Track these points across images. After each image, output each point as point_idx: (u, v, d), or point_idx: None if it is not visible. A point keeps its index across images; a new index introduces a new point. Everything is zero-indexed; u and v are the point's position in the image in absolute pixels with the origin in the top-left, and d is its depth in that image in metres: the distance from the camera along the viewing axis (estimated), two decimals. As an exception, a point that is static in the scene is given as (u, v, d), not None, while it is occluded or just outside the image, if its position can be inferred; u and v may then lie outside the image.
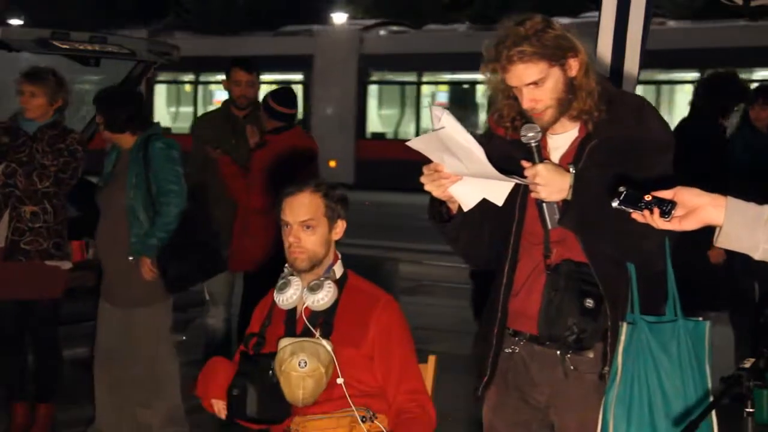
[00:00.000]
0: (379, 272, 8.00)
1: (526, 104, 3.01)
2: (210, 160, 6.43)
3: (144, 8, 35.48)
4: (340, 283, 3.49)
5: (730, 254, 5.91)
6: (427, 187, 3.03)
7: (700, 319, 3.10)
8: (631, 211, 2.42)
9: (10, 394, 5.68)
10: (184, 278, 5.29)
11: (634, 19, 4.36)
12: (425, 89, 23.93)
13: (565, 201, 2.96)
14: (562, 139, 3.11)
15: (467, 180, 2.99)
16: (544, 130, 3.05)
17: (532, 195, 3.01)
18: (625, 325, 3.02)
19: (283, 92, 6.42)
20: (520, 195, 3.10)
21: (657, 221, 2.40)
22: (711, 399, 3.02)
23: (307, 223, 3.43)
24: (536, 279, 3.11)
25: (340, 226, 3.52)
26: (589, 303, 3.03)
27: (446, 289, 10.15)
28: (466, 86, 23.18)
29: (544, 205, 3.00)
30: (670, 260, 3.08)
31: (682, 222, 2.40)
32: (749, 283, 6.53)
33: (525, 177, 2.96)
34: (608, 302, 3.04)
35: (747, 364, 2.47)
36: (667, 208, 2.38)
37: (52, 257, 5.48)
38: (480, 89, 20.96)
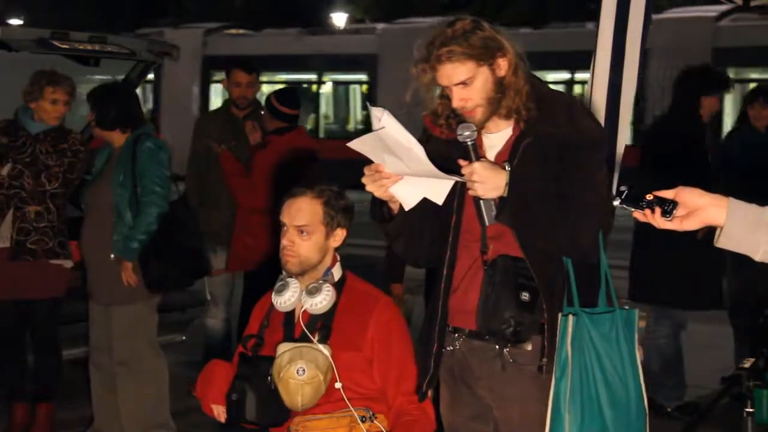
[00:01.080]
0: (379, 272, 7.98)
1: (456, 103, 3.08)
2: (211, 160, 6.43)
3: (144, 8, 35.47)
4: (338, 286, 3.49)
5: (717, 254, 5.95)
6: (368, 188, 3.09)
7: (627, 308, 3.19)
8: (633, 210, 2.43)
9: (10, 394, 5.68)
10: (164, 279, 5.26)
11: (634, 18, 4.35)
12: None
13: (501, 198, 3.03)
14: (497, 137, 3.18)
15: (408, 179, 3.05)
16: (480, 128, 3.12)
17: (470, 192, 3.07)
18: (570, 317, 3.08)
19: (287, 92, 6.43)
20: (457, 193, 3.16)
21: (658, 221, 2.41)
22: (642, 382, 3.13)
23: (302, 228, 3.42)
24: (474, 275, 3.17)
25: (340, 235, 3.49)
26: (525, 296, 3.08)
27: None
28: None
29: (481, 202, 3.07)
30: (603, 252, 3.15)
31: (683, 222, 2.40)
32: (748, 283, 6.53)
33: (462, 175, 3.02)
34: (544, 295, 3.10)
35: (747, 364, 2.47)
36: (668, 207, 2.39)
37: (58, 256, 5.48)
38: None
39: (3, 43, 5.85)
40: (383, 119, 2.90)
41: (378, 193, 3.11)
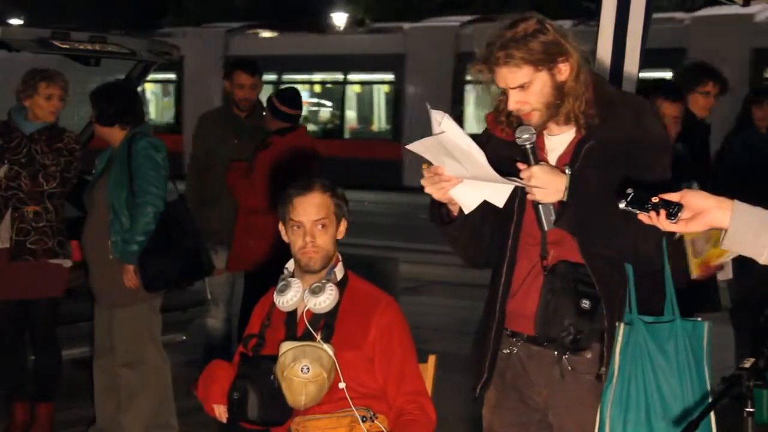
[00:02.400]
0: (379, 272, 7.99)
1: (511, 106, 3.02)
2: (211, 160, 6.43)
3: (144, 8, 35.47)
4: (341, 285, 3.48)
5: None
6: (427, 190, 3.03)
7: (699, 319, 3.10)
8: (638, 212, 2.43)
9: (10, 393, 5.69)
10: (161, 278, 5.26)
11: (634, 19, 4.36)
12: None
13: (561, 202, 2.97)
14: (559, 140, 3.11)
15: (468, 182, 2.99)
16: (540, 131, 3.06)
17: (528, 197, 3.01)
18: (622, 325, 3.02)
19: (289, 93, 6.43)
20: (518, 196, 3.10)
21: (663, 223, 2.40)
22: (710, 400, 3.02)
23: (321, 221, 3.43)
24: (534, 280, 3.12)
25: (344, 225, 3.52)
26: (585, 304, 3.03)
27: (446, 289, 10.14)
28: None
29: (540, 206, 3.01)
30: (667, 260, 3.08)
31: (688, 224, 2.40)
32: (749, 283, 6.52)
33: (522, 179, 2.97)
34: (605, 303, 3.04)
35: (747, 364, 2.47)
36: (673, 210, 2.39)
37: (58, 255, 5.48)
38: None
39: (3, 43, 5.85)
40: (443, 123, 2.86)
41: (437, 196, 3.04)
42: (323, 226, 3.43)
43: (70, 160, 5.48)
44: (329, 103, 25.17)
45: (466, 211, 3.06)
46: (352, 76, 24.34)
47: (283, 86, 6.73)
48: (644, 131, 3.04)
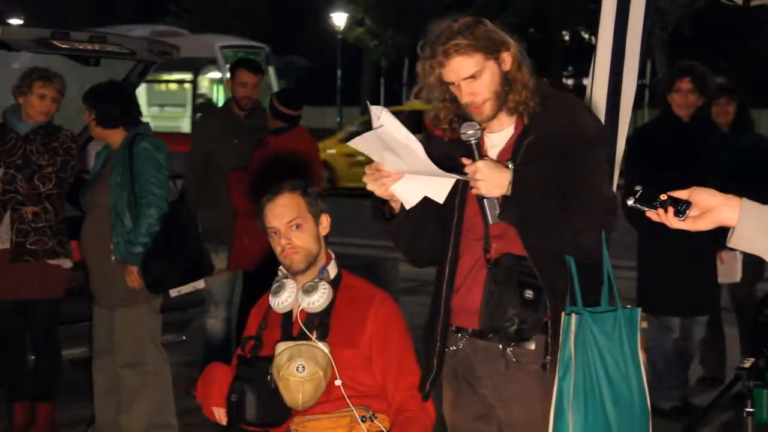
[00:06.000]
0: (379, 272, 7.99)
1: (465, 98, 3.08)
2: (211, 160, 6.43)
3: (144, 8, 35.47)
4: (334, 284, 3.49)
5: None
6: (369, 187, 3.09)
7: (629, 306, 3.21)
8: (646, 209, 2.44)
9: (10, 393, 5.68)
10: (165, 280, 5.25)
11: (634, 18, 4.35)
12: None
13: (504, 196, 3.03)
14: (499, 137, 3.19)
15: (408, 178, 3.05)
16: (482, 128, 3.12)
17: (473, 191, 3.07)
18: (573, 316, 3.09)
19: (289, 93, 6.43)
20: (459, 192, 3.16)
21: (671, 220, 2.41)
22: (644, 380, 3.17)
23: (294, 222, 3.43)
24: (477, 274, 3.18)
25: (326, 221, 3.52)
26: (529, 294, 3.09)
27: (446, 289, 10.11)
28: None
29: (485, 200, 3.07)
30: (606, 251, 3.15)
31: (696, 222, 2.41)
32: (749, 283, 6.53)
33: (464, 174, 3.02)
34: (547, 293, 3.10)
35: (747, 364, 2.47)
36: (681, 207, 2.40)
37: (58, 256, 5.48)
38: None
39: (3, 43, 5.84)
40: (382, 117, 2.91)
41: (378, 192, 3.11)
42: (298, 226, 3.43)
43: (67, 160, 5.46)
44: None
45: (407, 207, 3.12)
46: None
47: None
48: (580, 127, 3.11)
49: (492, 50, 3.06)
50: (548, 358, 3.12)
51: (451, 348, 3.26)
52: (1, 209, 5.40)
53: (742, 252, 5.92)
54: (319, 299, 3.41)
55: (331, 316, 3.43)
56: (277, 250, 3.45)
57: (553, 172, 3.05)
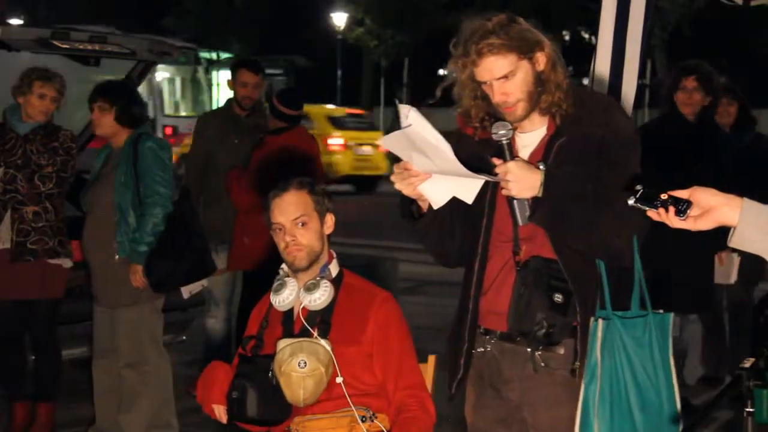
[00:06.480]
0: (379, 272, 8.00)
1: (497, 98, 3.04)
2: (211, 159, 6.43)
3: (144, 8, 35.47)
4: (336, 282, 3.49)
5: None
6: (397, 186, 3.06)
7: (661, 311, 3.16)
8: (647, 209, 2.44)
9: (10, 394, 5.68)
10: (170, 279, 5.25)
11: (634, 18, 4.35)
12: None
13: (535, 198, 2.99)
14: (531, 137, 3.14)
15: (437, 178, 3.01)
16: (514, 127, 3.08)
17: (503, 192, 3.03)
18: (600, 321, 3.05)
19: (290, 93, 6.44)
20: (489, 193, 3.13)
21: (672, 220, 2.41)
22: (675, 387, 3.13)
23: (300, 219, 3.43)
24: (506, 276, 3.14)
25: (330, 220, 3.52)
26: (558, 298, 3.05)
27: (446, 289, 10.12)
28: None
29: (515, 201, 3.03)
30: (637, 255, 3.11)
31: (697, 221, 2.40)
32: (749, 283, 6.54)
33: (494, 175, 2.98)
34: (577, 298, 3.07)
35: (747, 364, 2.47)
36: (682, 207, 2.40)
37: (59, 255, 5.48)
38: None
39: (3, 43, 5.85)
40: (410, 116, 2.87)
41: (406, 192, 3.07)
42: (303, 224, 3.43)
43: (67, 159, 5.46)
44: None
45: (435, 207, 3.08)
46: None
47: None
48: (614, 129, 3.07)
49: (526, 50, 3.00)
50: (577, 363, 3.08)
51: (478, 349, 3.23)
52: (1, 209, 5.40)
53: (739, 255, 5.97)
54: (320, 297, 3.42)
55: (333, 313, 3.44)
56: (281, 246, 3.46)
57: (586, 174, 2.99)
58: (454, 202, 3.05)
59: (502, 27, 3.00)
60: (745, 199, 2.39)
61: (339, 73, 34.65)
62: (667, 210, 2.41)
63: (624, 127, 3.10)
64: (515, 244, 3.12)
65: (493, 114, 3.09)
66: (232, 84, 6.59)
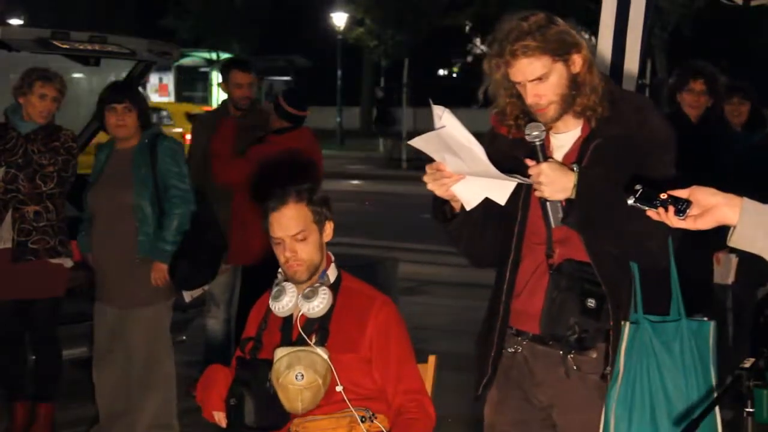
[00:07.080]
0: (379, 272, 7.99)
1: (530, 99, 3.00)
2: (209, 160, 6.42)
3: (144, 8, 35.44)
4: (334, 287, 3.48)
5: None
6: (429, 187, 3.02)
7: (705, 318, 3.08)
8: (646, 208, 2.43)
9: (10, 394, 5.68)
10: (193, 277, 5.27)
11: (634, 18, 4.36)
12: None
13: (568, 200, 2.95)
14: (565, 138, 3.11)
15: (470, 179, 2.98)
16: (548, 128, 3.05)
17: (536, 194, 3.00)
18: (628, 324, 3.01)
19: (295, 93, 6.44)
20: (522, 194, 3.09)
21: (672, 219, 2.40)
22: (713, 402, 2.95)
23: (300, 235, 3.41)
24: (539, 279, 3.10)
25: (329, 228, 3.51)
26: (591, 303, 3.02)
27: (446, 289, 10.14)
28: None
29: (547, 203, 3.00)
30: (673, 259, 3.05)
31: (696, 221, 2.40)
32: (749, 283, 6.52)
33: (527, 176, 2.95)
34: (610, 302, 3.03)
35: (747, 364, 2.47)
36: (682, 206, 2.39)
37: (59, 255, 5.48)
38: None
39: (3, 43, 5.84)
40: (444, 117, 2.85)
41: (439, 192, 3.03)
42: (303, 238, 3.42)
43: (68, 159, 5.46)
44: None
45: (468, 208, 3.05)
46: None
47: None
48: (649, 130, 3.03)
49: (561, 52, 2.96)
50: (608, 368, 3.05)
51: (508, 350, 3.20)
52: (2, 209, 5.40)
53: (737, 255, 5.97)
54: (319, 305, 3.40)
55: (331, 320, 3.43)
56: (281, 259, 3.44)
57: (620, 176, 2.93)
58: (487, 203, 3.02)
59: (539, 28, 2.95)
60: (745, 199, 2.39)
61: (339, 73, 34.64)
62: (666, 210, 2.41)
63: (658, 127, 3.07)
64: (548, 246, 3.09)
65: (528, 113, 3.06)
66: (225, 86, 6.59)
